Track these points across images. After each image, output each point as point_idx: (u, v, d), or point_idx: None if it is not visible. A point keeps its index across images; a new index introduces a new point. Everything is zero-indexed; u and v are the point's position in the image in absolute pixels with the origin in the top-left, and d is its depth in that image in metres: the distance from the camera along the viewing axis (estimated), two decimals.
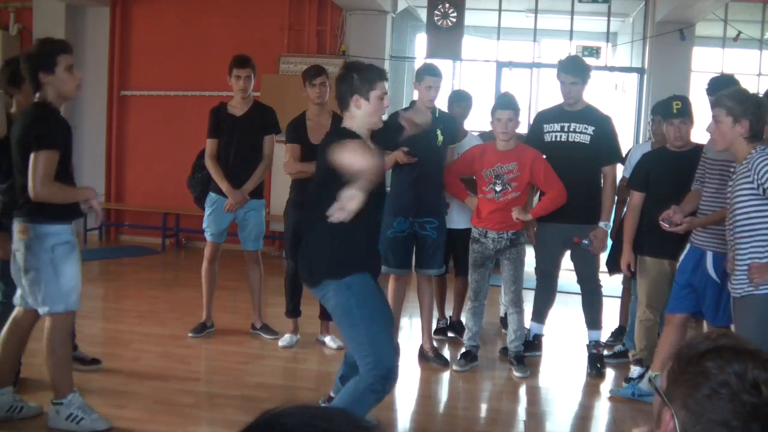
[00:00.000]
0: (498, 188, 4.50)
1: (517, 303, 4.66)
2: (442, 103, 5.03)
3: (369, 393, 3.06)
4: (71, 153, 3.49)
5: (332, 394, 3.56)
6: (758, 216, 3.24)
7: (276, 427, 0.87)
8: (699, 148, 4.12)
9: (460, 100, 5.32)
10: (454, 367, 4.65)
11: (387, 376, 3.06)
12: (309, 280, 3.20)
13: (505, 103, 4.55)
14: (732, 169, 3.42)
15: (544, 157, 4.85)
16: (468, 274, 4.77)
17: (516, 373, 4.60)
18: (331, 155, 2.92)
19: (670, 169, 4.25)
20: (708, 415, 1.12)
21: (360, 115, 3.12)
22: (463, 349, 4.78)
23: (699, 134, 4.29)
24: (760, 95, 3.85)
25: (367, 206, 2.93)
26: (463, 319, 5.15)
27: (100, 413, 3.51)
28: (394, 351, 3.13)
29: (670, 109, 4.23)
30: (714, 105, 3.37)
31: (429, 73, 4.54)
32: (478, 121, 6.50)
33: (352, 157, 2.87)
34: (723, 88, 4.06)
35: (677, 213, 3.83)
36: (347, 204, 2.84)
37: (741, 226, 3.29)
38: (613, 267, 4.92)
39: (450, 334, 5.38)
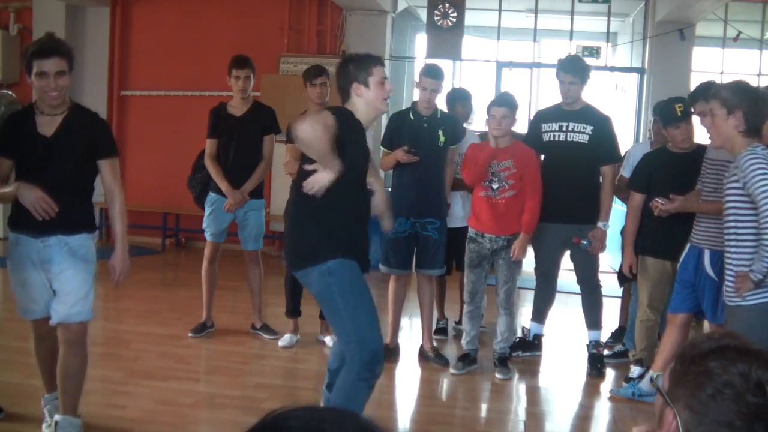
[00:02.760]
0: (495, 186, 4.48)
1: (508, 304, 4.60)
2: (442, 103, 5.03)
3: (359, 383, 3.02)
4: (34, 159, 3.14)
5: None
6: (743, 220, 3.10)
7: (282, 430, 0.86)
8: (701, 148, 4.12)
9: (463, 100, 5.31)
10: (452, 371, 4.60)
11: (372, 361, 3.01)
12: (293, 266, 3.18)
13: (500, 100, 4.54)
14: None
15: (543, 157, 4.86)
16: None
17: (498, 375, 4.54)
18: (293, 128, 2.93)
19: (672, 170, 4.24)
20: (712, 415, 1.11)
21: (362, 103, 3.12)
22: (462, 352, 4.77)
23: (699, 135, 4.30)
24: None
25: (347, 194, 3.00)
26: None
27: None
28: (380, 335, 3.12)
29: (673, 113, 4.19)
30: (710, 98, 3.22)
31: (425, 73, 4.56)
32: (478, 121, 6.49)
33: (303, 128, 2.84)
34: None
35: (665, 199, 3.92)
36: (315, 178, 2.90)
37: (728, 230, 3.18)
38: (623, 279, 4.89)
39: (454, 333, 5.37)
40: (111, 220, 3.38)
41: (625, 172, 4.82)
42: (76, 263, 3.23)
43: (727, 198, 3.16)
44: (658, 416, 1.21)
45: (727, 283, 3.21)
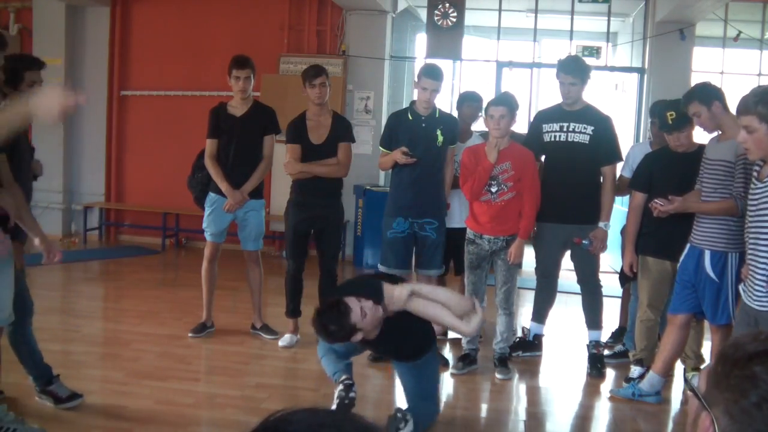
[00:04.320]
0: (494, 189, 4.47)
1: (507, 304, 4.60)
2: (450, 104, 5.02)
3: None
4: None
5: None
6: None
7: None
8: (702, 148, 4.12)
9: (471, 101, 5.29)
10: (452, 371, 4.62)
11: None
12: (431, 345, 3.76)
13: (499, 100, 4.53)
14: (754, 174, 3.26)
15: (543, 157, 4.86)
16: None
17: (498, 375, 4.55)
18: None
19: (673, 170, 4.24)
20: (755, 425, 1.04)
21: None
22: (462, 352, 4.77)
23: (698, 135, 4.30)
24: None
25: None
26: None
27: None
28: None
29: (665, 121, 4.20)
30: (743, 113, 3.12)
31: (425, 74, 4.54)
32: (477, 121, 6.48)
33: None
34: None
35: (664, 200, 3.92)
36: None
37: (760, 234, 3.11)
38: (624, 279, 4.89)
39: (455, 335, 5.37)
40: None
41: (625, 171, 4.83)
42: None
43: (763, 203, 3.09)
44: (693, 418, 1.14)
45: (758, 288, 3.11)
